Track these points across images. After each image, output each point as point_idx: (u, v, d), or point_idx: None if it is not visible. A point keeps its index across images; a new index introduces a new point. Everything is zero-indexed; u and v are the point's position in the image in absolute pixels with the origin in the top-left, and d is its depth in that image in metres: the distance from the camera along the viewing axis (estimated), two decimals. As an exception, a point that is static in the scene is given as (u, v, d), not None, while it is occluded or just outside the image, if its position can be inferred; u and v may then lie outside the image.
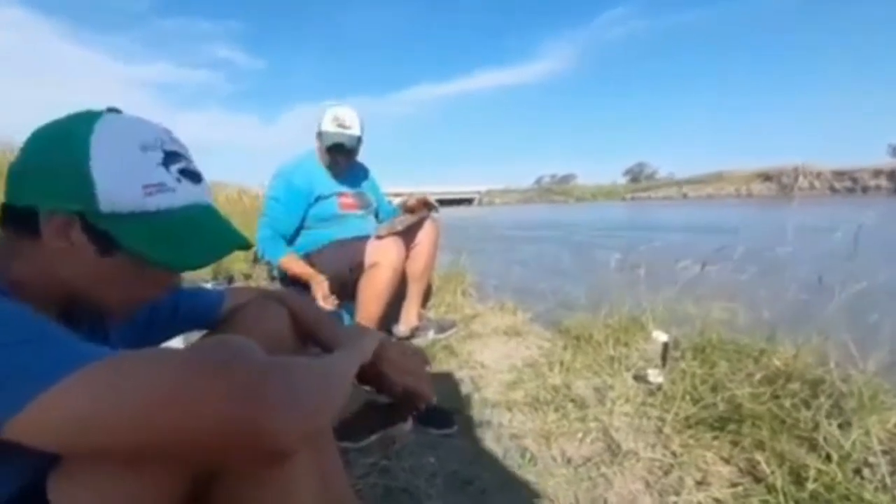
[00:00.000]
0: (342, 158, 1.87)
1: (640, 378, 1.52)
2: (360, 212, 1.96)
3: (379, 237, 1.75)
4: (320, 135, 1.85)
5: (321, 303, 1.71)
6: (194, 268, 0.54)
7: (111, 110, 0.52)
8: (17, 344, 0.39)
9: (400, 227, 1.79)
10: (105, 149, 0.48)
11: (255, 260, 3.29)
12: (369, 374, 0.67)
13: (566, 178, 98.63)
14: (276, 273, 2.00)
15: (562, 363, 1.66)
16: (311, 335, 0.74)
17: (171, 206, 0.50)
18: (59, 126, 0.50)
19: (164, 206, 0.50)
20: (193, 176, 0.54)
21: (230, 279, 3.27)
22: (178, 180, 0.51)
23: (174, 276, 0.57)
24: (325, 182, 1.90)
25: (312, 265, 1.84)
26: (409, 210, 1.91)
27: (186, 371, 0.39)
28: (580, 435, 1.29)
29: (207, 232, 0.54)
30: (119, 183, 0.48)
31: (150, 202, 0.49)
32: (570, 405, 1.42)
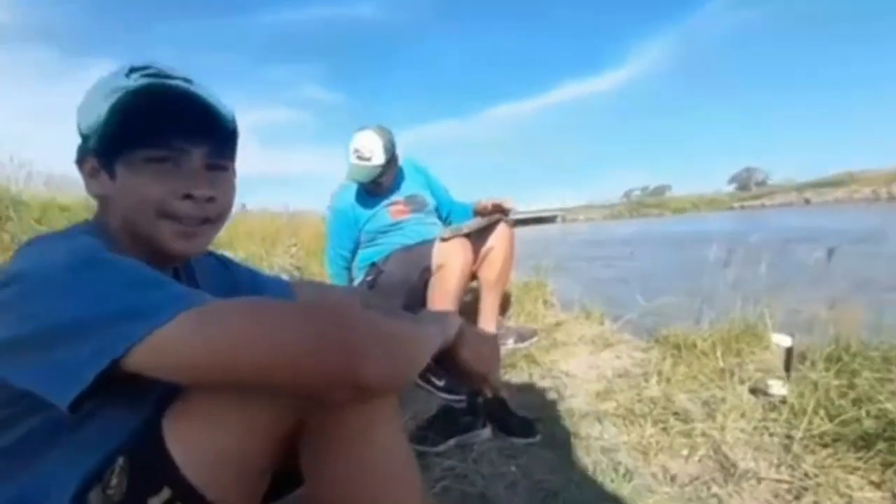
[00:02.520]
0: (371, 186, 1.94)
1: (758, 391, 1.37)
2: (415, 215, 2.00)
3: (443, 239, 1.77)
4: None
5: None
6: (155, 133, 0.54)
7: None
8: (124, 287, 0.46)
9: (465, 230, 1.80)
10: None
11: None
12: (443, 355, 0.68)
13: (659, 190, 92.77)
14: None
15: (660, 373, 1.54)
16: None
17: (126, 89, 0.54)
18: None
19: (119, 97, 0.53)
20: (158, 74, 0.56)
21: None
22: (136, 80, 0.55)
23: (182, 177, 0.56)
24: (369, 200, 1.99)
25: (380, 273, 1.92)
26: (480, 212, 1.91)
27: (288, 313, 0.46)
28: (685, 451, 1.19)
29: (164, 96, 0.54)
30: (88, 100, 0.56)
31: (108, 104, 0.54)
32: (671, 419, 1.31)
